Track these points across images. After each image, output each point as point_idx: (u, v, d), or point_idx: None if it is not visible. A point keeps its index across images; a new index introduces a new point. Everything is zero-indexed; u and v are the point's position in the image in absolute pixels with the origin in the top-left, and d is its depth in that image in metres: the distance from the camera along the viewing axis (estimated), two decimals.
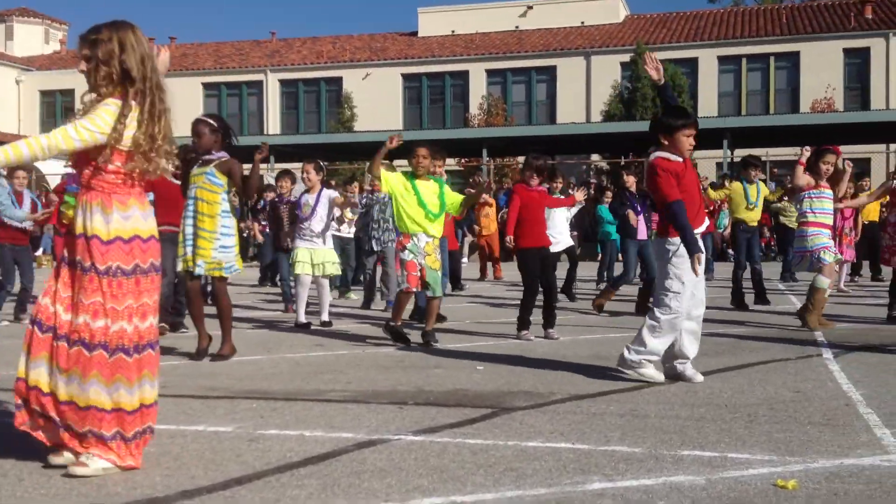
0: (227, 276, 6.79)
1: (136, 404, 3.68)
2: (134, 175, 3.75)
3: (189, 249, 6.69)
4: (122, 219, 3.70)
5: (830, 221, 8.60)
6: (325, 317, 9.05)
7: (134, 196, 3.76)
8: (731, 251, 22.28)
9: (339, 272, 9.82)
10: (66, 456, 3.67)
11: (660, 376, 5.72)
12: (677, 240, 5.58)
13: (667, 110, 5.87)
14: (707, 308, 10.28)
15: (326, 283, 9.23)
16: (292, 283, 10.98)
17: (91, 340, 3.60)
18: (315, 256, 9.04)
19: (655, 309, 5.70)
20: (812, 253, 8.38)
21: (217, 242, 6.65)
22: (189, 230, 6.70)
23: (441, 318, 9.34)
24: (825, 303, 8.56)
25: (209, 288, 8.87)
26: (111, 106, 3.68)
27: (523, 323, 7.95)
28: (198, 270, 6.68)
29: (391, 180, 7.59)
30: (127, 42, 3.70)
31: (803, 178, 8.40)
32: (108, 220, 3.68)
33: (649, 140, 5.83)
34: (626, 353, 5.71)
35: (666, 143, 5.68)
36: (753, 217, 10.74)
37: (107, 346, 3.62)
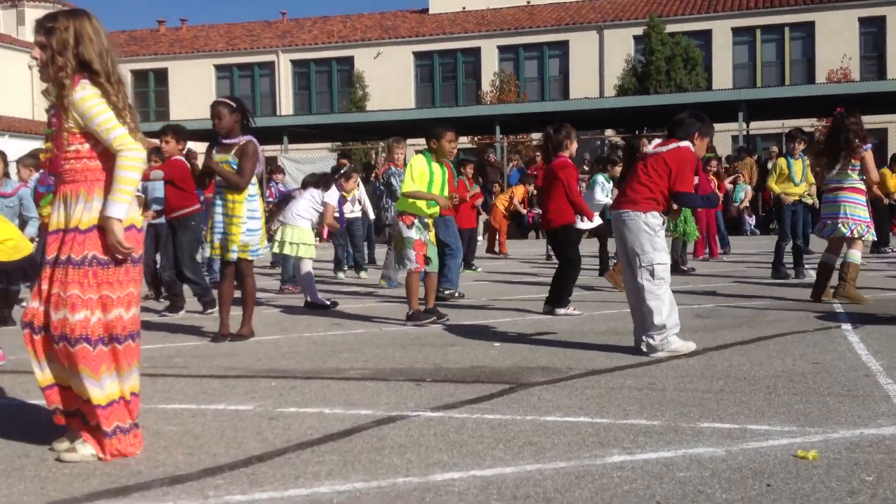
0: (253, 259, 6.82)
1: (109, 399, 3.60)
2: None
3: (218, 237, 6.71)
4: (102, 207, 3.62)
5: (864, 187, 8.47)
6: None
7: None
8: (749, 221, 22.20)
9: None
10: (81, 452, 3.61)
11: (689, 345, 5.77)
12: (658, 214, 5.81)
13: (697, 113, 6.13)
14: (723, 282, 10.39)
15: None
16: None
17: (71, 335, 3.51)
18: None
19: (649, 285, 5.71)
20: (858, 222, 8.13)
21: (244, 226, 6.67)
22: (219, 217, 6.70)
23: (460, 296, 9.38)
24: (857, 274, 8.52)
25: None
26: (91, 90, 3.59)
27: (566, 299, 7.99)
28: (232, 256, 6.68)
29: (420, 180, 7.47)
30: (84, 33, 3.61)
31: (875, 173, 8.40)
32: (87, 208, 3.60)
33: (672, 131, 6.00)
34: (651, 341, 5.72)
35: (697, 143, 5.95)
36: (797, 191, 10.70)
37: (89, 339, 3.55)
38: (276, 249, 9.32)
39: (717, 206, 12.32)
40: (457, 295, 9.30)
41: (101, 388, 3.56)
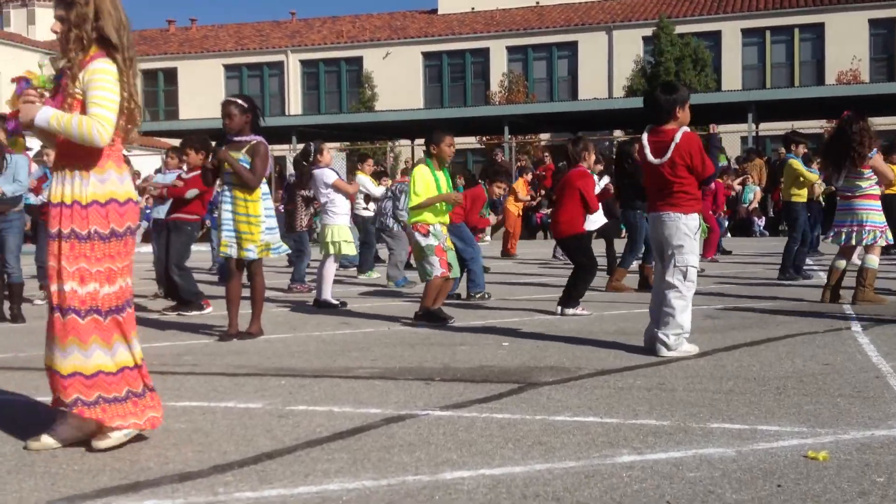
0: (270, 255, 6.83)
1: (120, 365, 3.68)
2: (117, 137, 3.72)
3: (225, 234, 6.71)
4: (99, 182, 3.67)
5: (877, 192, 8.43)
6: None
7: (111, 159, 3.72)
8: (758, 223, 22.14)
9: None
10: (44, 441, 3.68)
11: (694, 348, 5.80)
12: (697, 217, 5.83)
13: (666, 87, 6.06)
14: (733, 282, 10.37)
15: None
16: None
17: (81, 307, 3.60)
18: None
19: (680, 286, 5.71)
20: (873, 229, 8.09)
21: (263, 225, 6.67)
22: (227, 215, 6.69)
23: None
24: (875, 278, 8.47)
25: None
26: (111, 66, 3.62)
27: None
28: (249, 255, 6.68)
29: (426, 190, 7.48)
30: (103, 7, 3.65)
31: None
32: (85, 183, 3.65)
33: (654, 116, 5.93)
34: (666, 339, 5.71)
35: (681, 116, 5.88)
36: (805, 193, 10.79)
37: (99, 311, 3.63)
38: (320, 251, 9.32)
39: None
40: (486, 297, 9.30)
41: (112, 357, 3.65)
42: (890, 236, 8.26)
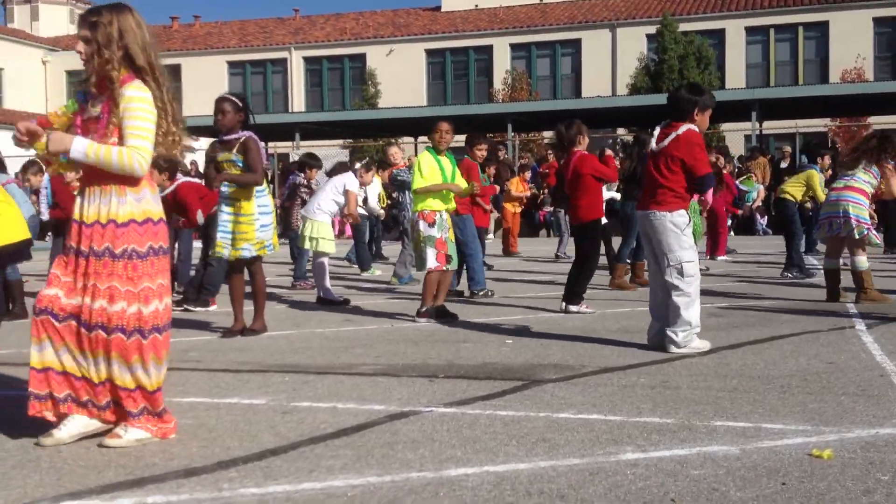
0: (266, 254, 6.81)
1: (156, 385, 3.72)
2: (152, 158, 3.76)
3: (220, 235, 6.69)
4: (136, 201, 3.69)
5: (870, 189, 8.41)
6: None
7: (145, 178, 3.75)
8: (761, 221, 22.10)
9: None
10: (56, 436, 3.68)
11: (706, 344, 5.78)
12: (685, 212, 5.83)
13: (692, 87, 6.10)
14: (736, 281, 10.36)
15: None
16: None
17: (108, 324, 3.61)
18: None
19: (680, 284, 5.70)
20: (858, 223, 8.06)
21: (257, 223, 6.67)
22: (224, 216, 6.69)
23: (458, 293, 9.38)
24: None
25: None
26: (145, 94, 3.67)
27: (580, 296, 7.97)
28: (245, 254, 6.66)
29: (431, 174, 7.52)
30: (128, 27, 3.68)
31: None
32: (122, 202, 3.67)
33: (672, 112, 5.94)
34: (675, 337, 5.71)
35: (698, 118, 5.86)
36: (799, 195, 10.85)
37: (124, 329, 3.63)
38: (299, 244, 9.35)
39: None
40: (489, 294, 9.29)
41: (131, 375, 3.67)
42: (874, 237, 8.23)
